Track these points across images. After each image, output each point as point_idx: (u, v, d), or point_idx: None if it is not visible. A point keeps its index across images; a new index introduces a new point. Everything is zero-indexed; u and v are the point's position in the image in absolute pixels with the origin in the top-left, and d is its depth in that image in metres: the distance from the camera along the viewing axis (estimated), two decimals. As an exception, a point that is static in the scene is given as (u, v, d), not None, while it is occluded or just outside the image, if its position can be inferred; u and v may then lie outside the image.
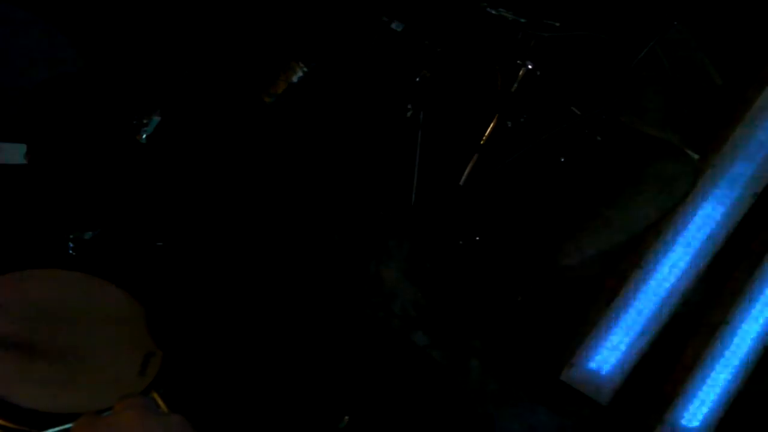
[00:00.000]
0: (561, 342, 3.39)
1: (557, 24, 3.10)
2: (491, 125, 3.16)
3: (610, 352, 3.33)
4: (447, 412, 2.32)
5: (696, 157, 3.39)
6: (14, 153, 2.12)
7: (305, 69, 2.73)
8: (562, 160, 3.24)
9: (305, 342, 2.18)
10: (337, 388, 1.96)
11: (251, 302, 2.22)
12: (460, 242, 3.32)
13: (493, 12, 2.98)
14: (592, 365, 3.32)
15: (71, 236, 2.09)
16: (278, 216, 2.95)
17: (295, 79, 2.74)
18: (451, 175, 3.24)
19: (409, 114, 3.17)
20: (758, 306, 3.47)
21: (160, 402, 1.64)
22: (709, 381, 3.44)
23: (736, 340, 3.46)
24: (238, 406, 1.90)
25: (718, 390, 3.47)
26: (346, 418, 1.76)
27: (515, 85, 3.14)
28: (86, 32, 2.36)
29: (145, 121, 2.10)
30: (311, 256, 2.98)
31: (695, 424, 3.44)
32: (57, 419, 1.53)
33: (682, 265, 3.37)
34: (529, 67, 3.11)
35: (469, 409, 2.27)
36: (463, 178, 3.21)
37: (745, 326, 3.47)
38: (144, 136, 2.11)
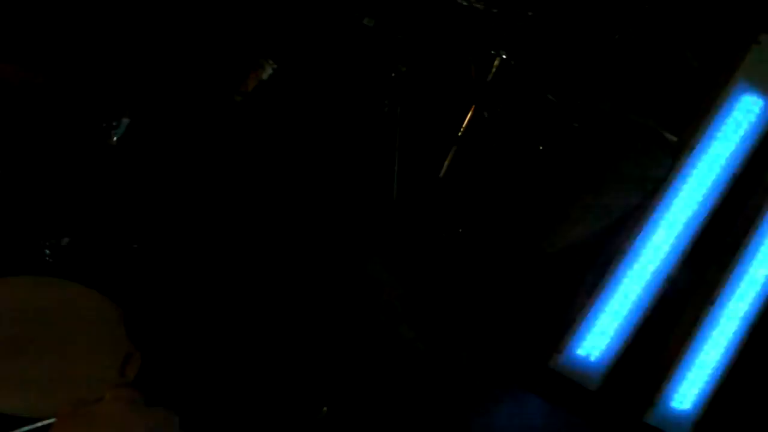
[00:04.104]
0: (548, 329, 3.39)
1: (530, 13, 3.11)
2: (468, 117, 3.17)
3: (598, 337, 3.33)
4: (433, 404, 2.33)
5: (674, 139, 3.40)
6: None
7: (275, 66, 2.73)
8: (541, 148, 3.25)
9: (289, 337, 2.18)
10: (319, 381, 1.97)
11: (232, 298, 2.22)
12: (444, 235, 3.32)
13: (465, 3, 2.99)
14: (581, 351, 3.32)
15: (47, 243, 2.09)
16: (258, 214, 2.94)
17: (265, 76, 2.74)
18: (431, 168, 3.25)
19: (386, 109, 3.17)
20: (744, 285, 3.47)
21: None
22: (698, 362, 3.44)
23: (723, 320, 3.46)
24: (220, 397, 1.90)
25: (707, 371, 3.47)
26: (324, 408, 1.76)
27: (490, 76, 3.15)
28: (54, 36, 2.36)
29: (114, 124, 2.10)
30: (294, 253, 2.98)
31: (686, 406, 3.45)
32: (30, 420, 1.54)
33: (665, 247, 3.37)
34: (503, 56, 3.12)
35: (456, 401, 2.27)
36: (443, 170, 3.22)
37: (731, 306, 3.47)
38: (115, 138, 2.11)
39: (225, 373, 1.92)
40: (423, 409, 2.44)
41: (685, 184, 3.35)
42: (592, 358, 3.34)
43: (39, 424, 1.57)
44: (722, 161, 3.38)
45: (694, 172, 3.35)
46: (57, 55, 2.31)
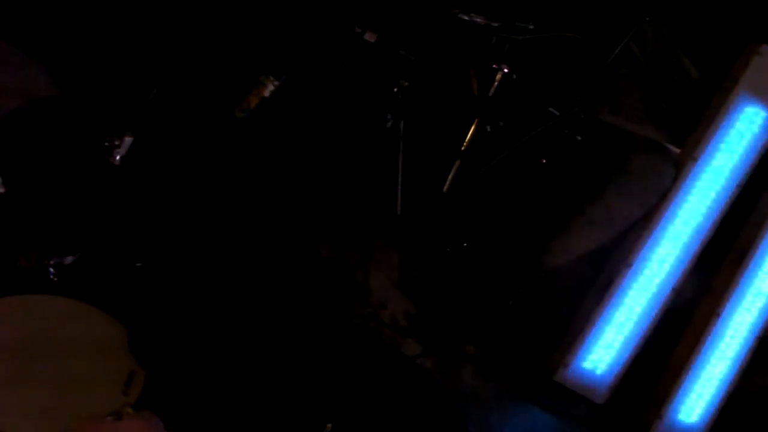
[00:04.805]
0: (554, 343, 3.39)
1: (530, 26, 3.12)
2: (471, 131, 3.17)
3: (604, 350, 3.33)
4: (438, 420, 2.32)
5: (677, 151, 3.40)
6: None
7: (276, 83, 2.74)
8: (544, 161, 3.25)
9: (293, 355, 2.18)
10: (322, 398, 1.96)
11: (236, 315, 2.22)
12: (448, 249, 3.32)
13: (466, 18, 3.00)
14: (587, 365, 3.31)
15: (51, 262, 2.09)
16: (261, 230, 2.95)
17: (266, 93, 2.75)
18: (435, 183, 3.25)
19: (389, 124, 3.18)
20: (749, 297, 3.47)
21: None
22: (704, 375, 3.44)
23: (728, 332, 3.46)
24: (224, 415, 1.90)
25: (714, 383, 3.46)
26: (329, 425, 1.76)
27: (492, 90, 3.15)
28: (56, 55, 2.37)
29: (117, 143, 2.11)
30: (298, 269, 2.98)
31: (693, 419, 3.43)
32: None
33: (670, 260, 3.36)
34: (505, 70, 3.12)
35: (459, 417, 2.26)
36: (447, 184, 3.22)
37: (737, 318, 3.47)
38: (117, 157, 2.13)
39: (229, 391, 1.92)
40: (427, 426, 2.43)
41: (689, 196, 3.35)
42: (598, 372, 3.33)
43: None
44: (726, 172, 3.38)
45: (698, 183, 3.36)
46: (61, 74, 2.33)
